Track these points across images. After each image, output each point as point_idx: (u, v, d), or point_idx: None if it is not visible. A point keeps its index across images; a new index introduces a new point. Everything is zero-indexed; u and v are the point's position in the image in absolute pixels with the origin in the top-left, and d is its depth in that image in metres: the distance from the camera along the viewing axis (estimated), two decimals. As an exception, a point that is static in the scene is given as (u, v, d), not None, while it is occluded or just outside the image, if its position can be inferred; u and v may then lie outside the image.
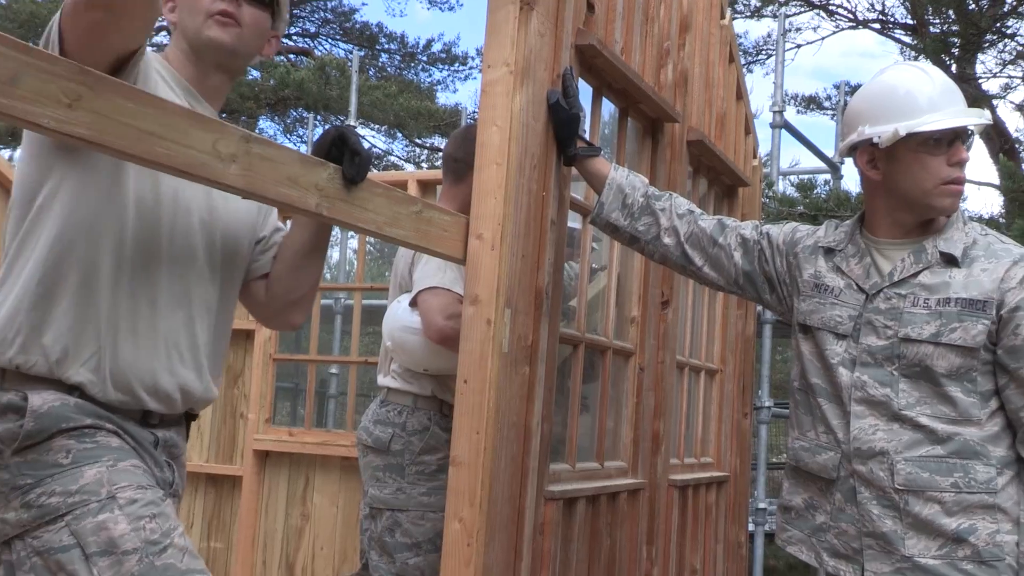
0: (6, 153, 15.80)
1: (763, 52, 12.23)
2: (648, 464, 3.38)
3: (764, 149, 6.24)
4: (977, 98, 9.81)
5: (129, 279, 1.90)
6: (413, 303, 3.07)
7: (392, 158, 18.68)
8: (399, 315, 3.12)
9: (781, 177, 7.68)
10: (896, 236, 2.34)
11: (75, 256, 1.85)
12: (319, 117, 16.21)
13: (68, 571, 1.74)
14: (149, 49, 2.05)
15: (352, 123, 10.07)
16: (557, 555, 2.72)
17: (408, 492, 3.09)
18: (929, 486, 2.18)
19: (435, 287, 2.98)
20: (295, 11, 20.13)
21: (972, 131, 2.30)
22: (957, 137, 2.24)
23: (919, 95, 2.25)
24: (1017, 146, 10.19)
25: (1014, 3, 9.19)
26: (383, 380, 3.25)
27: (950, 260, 2.25)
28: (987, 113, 2.36)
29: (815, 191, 7.61)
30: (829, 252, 2.43)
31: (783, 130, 7.07)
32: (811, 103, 13.30)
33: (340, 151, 1.99)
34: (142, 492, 1.81)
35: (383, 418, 3.16)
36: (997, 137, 10.04)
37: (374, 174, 3.07)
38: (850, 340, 2.31)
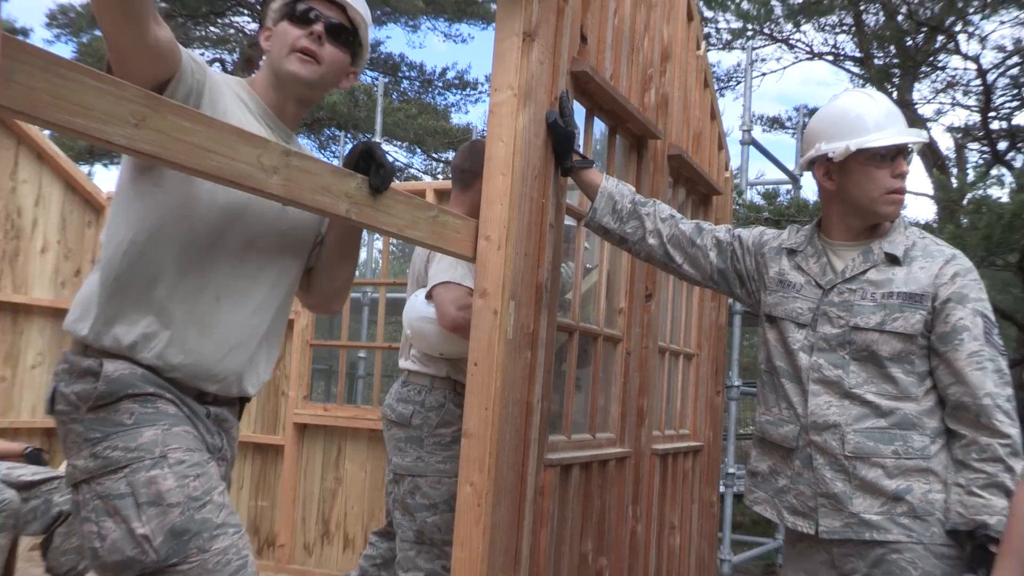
0: (85, 169, 15.86)
1: (733, 79, 12.22)
2: (634, 435, 3.38)
3: (734, 163, 6.21)
4: (914, 121, 9.91)
5: (197, 278, 1.91)
6: (429, 296, 3.06)
7: (412, 170, 18.68)
8: (417, 307, 3.12)
9: (749, 187, 7.65)
10: (848, 239, 2.35)
11: (145, 258, 1.86)
12: (349, 135, 16.22)
13: (122, 515, 1.76)
14: (234, 77, 2.06)
15: (377, 140, 10.06)
16: (555, 514, 2.72)
17: (426, 460, 3.09)
18: (874, 453, 2.19)
19: (448, 282, 2.98)
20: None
21: (912, 148, 2.30)
22: (899, 153, 2.25)
23: (867, 117, 2.26)
24: (948, 162, 10.27)
25: (944, 40, 9.35)
26: (404, 363, 3.24)
27: (893, 260, 2.27)
28: (924, 132, 2.37)
29: (778, 199, 7.60)
30: (791, 252, 2.43)
31: (751, 147, 7.05)
32: (774, 123, 13.28)
33: (367, 164, 1.99)
34: (190, 454, 1.83)
35: (404, 396, 3.16)
36: (931, 155, 10.11)
37: (396, 184, 3.07)
38: (809, 329, 2.32)
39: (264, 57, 2.10)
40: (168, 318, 1.87)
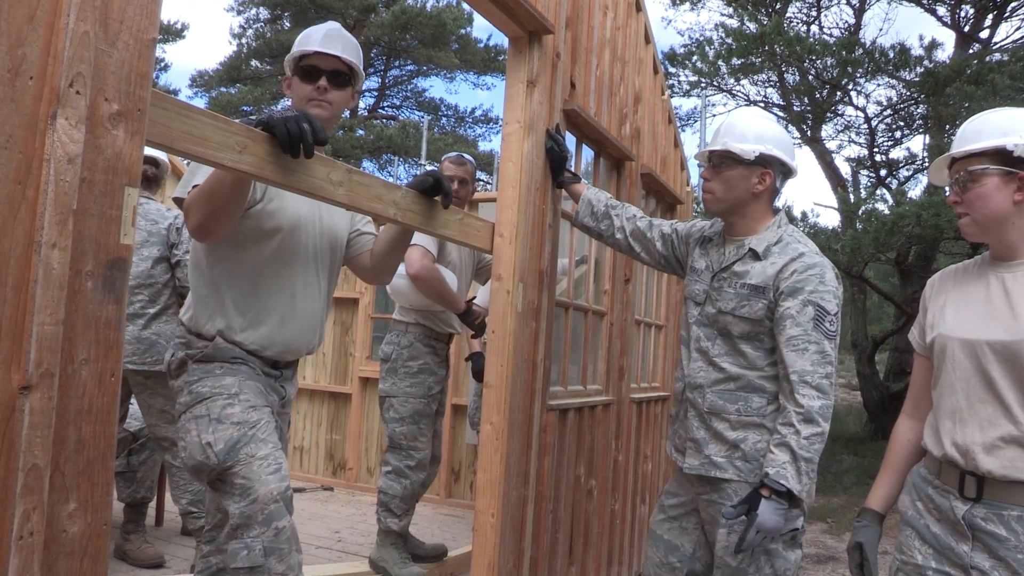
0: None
1: (692, 118, 12.18)
2: (616, 387, 3.38)
3: (694, 180, 6.17)
4: (822, 152, 10.25)
5: (278, 286, 1.96)
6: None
7: (449, 187, 18.70)
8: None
9: (705, 198, 7.62)
10: (733, 234, 2.23)
11: (231, 270, 1.93)
12: (401, 158, 16.33)
13: (199, 429, 1.84)
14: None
15: (423, 163, 10.05)
16: (555, 446, 2.73)
17: (398, 385, 3.21)
18: (722, 410, 2.11)
19: (416, 244, 3.07)
20: (387, 92, 20.13)
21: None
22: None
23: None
24: (847, 183, 10.52)
25: (841, 95, 9.72)
26: (393, 315, 3.36)
27: (755, 255, 2.13)
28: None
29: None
30: (706, 241, 2.31)
31: (706, 167, 7.03)
32: (722, 152, 13.24)
33: (437, 190, 2.01)
34: (255, 399, 1.89)
35: (389, 340, 3.29)
36: (834, 177, 10.28)
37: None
38: (701, 307, 2.22)
39: (288, 98, 2.11)
40: (260, 316, 1.94)
